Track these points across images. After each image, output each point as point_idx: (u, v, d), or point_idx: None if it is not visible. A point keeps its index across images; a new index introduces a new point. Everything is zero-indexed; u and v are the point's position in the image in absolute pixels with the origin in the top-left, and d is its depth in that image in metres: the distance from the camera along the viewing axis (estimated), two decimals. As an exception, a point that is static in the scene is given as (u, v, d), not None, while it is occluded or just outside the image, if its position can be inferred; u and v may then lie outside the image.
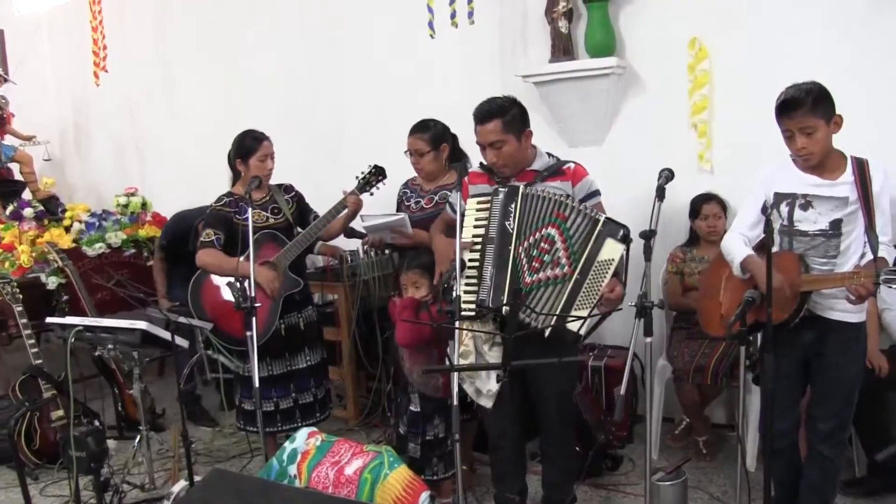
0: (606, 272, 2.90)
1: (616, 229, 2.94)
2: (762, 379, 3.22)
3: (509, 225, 3.00)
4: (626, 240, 2.93)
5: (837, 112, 2.79)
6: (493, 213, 3.05)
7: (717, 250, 3.93)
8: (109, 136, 7.13)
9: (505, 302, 2.91)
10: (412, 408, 3.61)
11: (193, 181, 6.19)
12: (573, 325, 2.89)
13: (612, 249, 2.92)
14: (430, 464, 3.56)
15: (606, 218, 2.98)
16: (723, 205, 4.18)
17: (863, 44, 3.85)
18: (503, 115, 3.04)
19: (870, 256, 2.79)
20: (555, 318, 2.89)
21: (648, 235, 2.79)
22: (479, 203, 3.13)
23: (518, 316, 2.54)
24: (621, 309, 2.72)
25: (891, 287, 2.68)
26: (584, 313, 2.88)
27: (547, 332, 2.89)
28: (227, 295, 3.82)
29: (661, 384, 4.14)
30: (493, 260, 3.02)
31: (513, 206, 3.00)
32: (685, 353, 4.00)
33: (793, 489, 3.16)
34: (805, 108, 2.73)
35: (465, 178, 3.23)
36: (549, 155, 3.23)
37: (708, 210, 4.15)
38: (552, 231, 2.98)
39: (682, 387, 4.05)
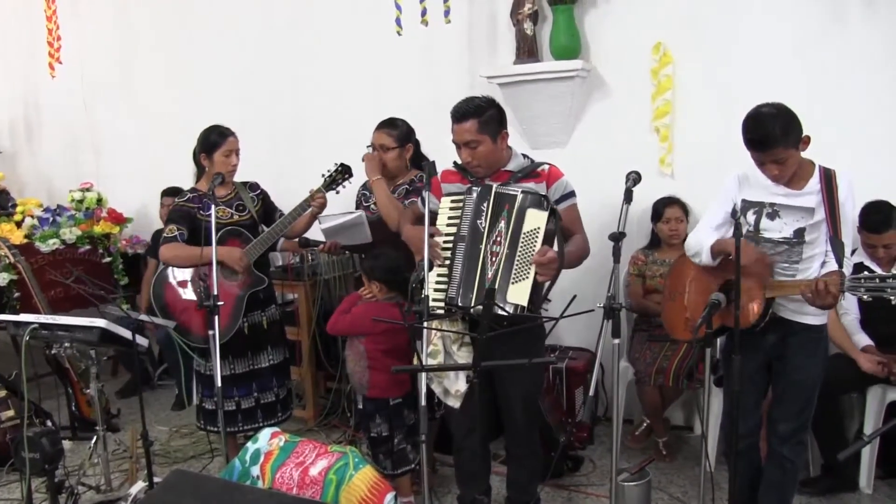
0: (535, 241, 2.90)
1: (536, 199, 2.95)
2: (725, 381, 3.28)
3: (481, 224, 2.99)
4: (547, 206, 2.94)
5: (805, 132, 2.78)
6: (465, 211, 3.05)
7: (679, 253, 3.99)
8: (62, 130, 6.96)
9: (475, 301, 2.91)
10: (358, 405, 3.71)
11: (149, 177, 6.12)
12: (516, 300, 2.89)
13: (535, 218, 2.92)
14: (378, 460, 3.59)
15: (523, 191, 2.98)
16: (685, 208, 4.23)
17: (824, 53, 3.94)
18: (479, 115, 3.03)
19: (831, 265, 2.84)
20: (523, 314, 2.89)
21: (617, 237, 2.79)
22: (452, 202, 3.12)
23: (490, 316, 2.53)
24: (593, 310, 2.70)
25: (854, 294, 2.73)
26: (524, 284, 2.88)
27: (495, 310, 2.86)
28: (190, 293, 3.79)
29: (623, 386, 4.17)
30: (464, 258, 3.01)
31: (485, 205, 3.00)
32: (647, 356, 4.05)
33: (752, 489, 3.21)
34: (775, 143, 2.72)
35: (437, 176, 3.22)
36: (525, 156, 3.23)
37: (670, 213, 4.20)
38: (501, 224, 2.98)
39: (644, 388, 4.09)
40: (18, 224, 5.56)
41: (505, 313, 2.84)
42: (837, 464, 3.69)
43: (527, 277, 2.89)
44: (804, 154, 2.86)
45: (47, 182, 7.06)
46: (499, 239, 2.96)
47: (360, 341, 3.55)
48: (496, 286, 2.91)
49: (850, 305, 3.74)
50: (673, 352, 3.99)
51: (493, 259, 2.96)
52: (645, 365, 4.01)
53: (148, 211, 6.19)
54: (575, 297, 2.49)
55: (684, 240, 4.09)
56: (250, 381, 3.96)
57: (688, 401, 4.53)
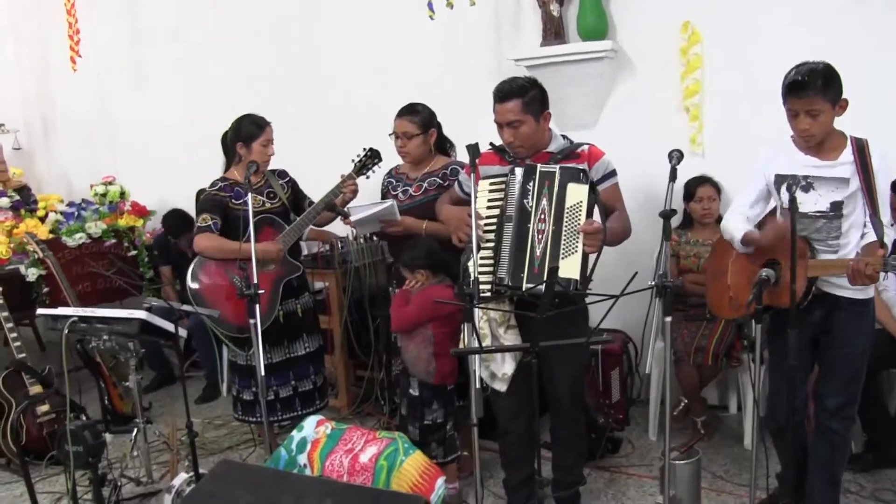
0: (579, 214, 2.90)
1: (574, 173, 2.95)
2: (770, 358, 3.26)
3: (528, 203, 2.97)
4: (585, 180, 2.94)
5: (844, 96, 2.78)
6: (509, 192, 3.02)
7: (712, 233, 3.98)
8: (79, 126, 6.94)
9: (527, 280, 2.89)
10: (412, 391, 3.62)
11: (166, 171, 6.11)
12: (568, 274, 2.88)
13: (576, 193, 2.92)
14: (429, 448, 3.53)
15: (561, 167, 2.98)
16: (717, 187, 4.21)
17: (851, 28, 3.89)
18: (523, 95, 3.02)
19: (870, 236, 2.82)
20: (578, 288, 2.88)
21: (668, 215, 2.77)
22: (491, 184, 3.09)
23: (552, 294, 2.50)
24: (651, 286, 2.68)
25: None
26: (574, 258, 2.87)
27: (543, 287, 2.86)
28: (225, 282, 3.76)
29: (659, 366, 4.15)
30: (512, 238, 2.98)
31: (531, 184, 2.97)
32: (684, 335, 4.03)
33: (800, 466, 3.19)
34: (814, 91, 2.72)
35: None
36: (565, 137, 3.21)
37: (702, 192, 4.18)
38: (544, 202, 2.97)
39: (682, 368, 4.07)
40: (42, 220, 5.56)
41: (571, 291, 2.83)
42: (881, 440, 3.68)
43: (576, 251, 2.88)
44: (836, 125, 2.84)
45: (65, 178, 7.06)
46: (543, 217, 2.94)
47: (428, 327, 3.49)
48: (547, 263, 2.89)
49: (889, 281, 3.72)
50: (710, 331, 3.97)
51: (540, 237, 2.94)
52: (683, 344, 3.99)
53: (166, 206, 6.16)
54: (636, 273, 2.47)
55: (717, 219, 4.13)
56: (287, 370, 3.94)
57: (722, 380, 4.51)
